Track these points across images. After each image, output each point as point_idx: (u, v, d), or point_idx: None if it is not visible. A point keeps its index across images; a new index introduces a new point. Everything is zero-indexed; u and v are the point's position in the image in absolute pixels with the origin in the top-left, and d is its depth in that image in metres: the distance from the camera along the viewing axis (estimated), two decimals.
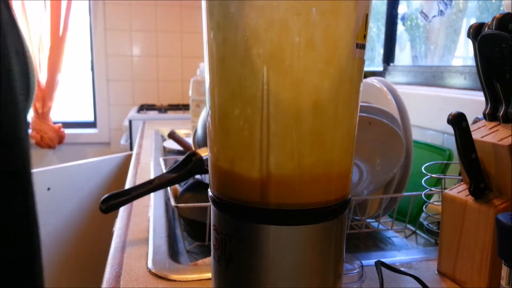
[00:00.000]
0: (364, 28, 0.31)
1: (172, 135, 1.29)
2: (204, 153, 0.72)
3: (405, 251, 0.70)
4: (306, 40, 0.29)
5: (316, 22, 0.29)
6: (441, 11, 1.28)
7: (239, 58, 0.30)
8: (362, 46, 0.31)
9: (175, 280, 0.55)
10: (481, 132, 0.53)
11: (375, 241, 0.77)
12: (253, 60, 0.30)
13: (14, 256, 0.23)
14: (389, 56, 1.49)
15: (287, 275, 0.32)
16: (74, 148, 2.82)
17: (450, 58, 1.31)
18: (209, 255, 0.66)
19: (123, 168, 1.80)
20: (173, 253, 0.66)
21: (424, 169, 0.69)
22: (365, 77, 0.37)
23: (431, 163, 0.74)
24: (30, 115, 2.67)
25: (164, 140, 1.57)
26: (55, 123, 2.74)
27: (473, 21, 1.22)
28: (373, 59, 1.70)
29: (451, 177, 0.72)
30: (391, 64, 1.48)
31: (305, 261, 0.32)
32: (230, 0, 0.30)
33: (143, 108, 2.54)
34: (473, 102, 0.89)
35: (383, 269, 0.52)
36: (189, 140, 1.29)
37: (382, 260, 0.54)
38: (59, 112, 2.80)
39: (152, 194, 0.87)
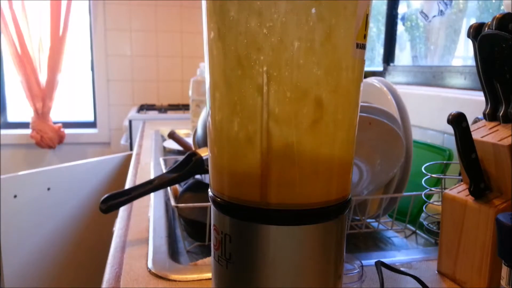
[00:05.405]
0: (364, 28, 0.31)
1: (172, 135, 1.29)
2: (204, 153, 0.72)
3: (405, 251, 0.70)
4: (306, 41, 0.29)
5: (316, 23, 0.29)
6: (441, 11, 1.28)
7: (238, 60, 0.30)
8: (362, 46, 0.31)
9: (175, 280, 0.55)
10: (481, 132, 0.53)
11: (375, 241, 0.77)
12: (253, 63, 0.30)
13: None
14: (389, 56, 1.49)
15: (287, 275, 0.32)
16: (74, 148, 2.82)
17: (450, 58, 1.31)
18: (209, 255, 0.66)
19: (123, 168, 1.80)
20: (173, 253, 0.66)
21: (424, 169, 0.69)
22: (365, 77, 0.37)
23: (431, 163, 0.74)
24: (30, 115, 2.68)
25: (164, 140, 1.57)
26: (55, 123, 2.74)
27: (473, 21, 1.22)
28: (373, 59, 1.70)
29: (451, 177, 0.72)
30: (391, 64, 1.48)
31: (305, 261, 0.32)
32: (230, 1, 0.30)
33: (143, 108, 2.54)
34: (473, 102, 0.89)
35: (383, 269, 0.52)
36: (189, 140, 1.29)
37: (382, 260, 0.54)
38: (59, 112, 2.80)
39: (152, 194, 0.87)
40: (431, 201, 0.76)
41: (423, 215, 0.77)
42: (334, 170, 0.32)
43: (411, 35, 1.50)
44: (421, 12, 1.38)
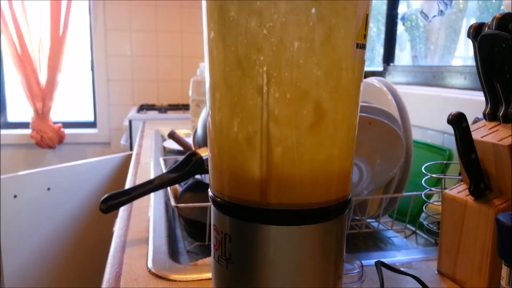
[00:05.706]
0: (364, 28, 0.31)
1: (172, 135, 1.29)
2: (204, 153, 0.72)
3: (405, 251, 0.70)
4: (306, 41, 0.29)
5: (316, 23, 0.29)
6: (441, 11, 1.28)
7: (238, 61, 0.30)
8: (362, 46, 0.31)
9: (175, 280, 0.55)
10: (481, 132, 0.53)
11: (375, 241, 0.77)
12: (253, 63, 0.30)
13: None
14: (389, 56, 1.49)
15: (287, 275, 0.32)
16: (74, 148, 2.82)
17: (450, 58, 1.31)
18: (209, 255, 0.66)
19: (123, 168, 1.80)
20: (173, 253, 0.66)
21: (424, 169, 0.69)
22: (365, 77, 0.37)
23: (431, 163, 0.74)
24: (30, 115, 2.68)
25: (164, 140, 1.57)
26: (55, 123, 2.74)
27: (473, 21, 1.22)
28: (373, 59, 1.70)
29: (451, 177, 0.72)
30: (391, 64, 1.48)
31: (305, 261, 0.32)
32: (230, 1, 0.30)
33: (143, 108, 2.54)
34: (473, 102, 0.89)
35: (383, 269, 0.52)
36: (189, 140, 1.29)
37: (382, 260, 0.54)
38: (59, 112, 2.80)
39: (152, 194, 0.87)
40: (431, 201, 0.76)
41: (423, 215, 0.77)
42: (334, 170, 0.32)
43: (411, 35, 1.50)
44: (421, 12, 1.38)
